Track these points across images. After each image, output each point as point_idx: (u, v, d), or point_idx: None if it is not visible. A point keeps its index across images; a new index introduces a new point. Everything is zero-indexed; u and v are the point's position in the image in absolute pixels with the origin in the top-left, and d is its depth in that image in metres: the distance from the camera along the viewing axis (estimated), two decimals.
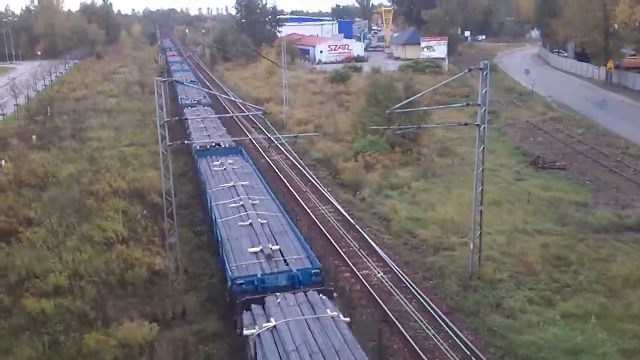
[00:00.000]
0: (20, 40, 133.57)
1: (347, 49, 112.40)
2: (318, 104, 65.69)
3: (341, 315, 15.93)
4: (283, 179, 38.92)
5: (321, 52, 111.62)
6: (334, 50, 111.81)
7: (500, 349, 19.88)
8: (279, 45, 78.79)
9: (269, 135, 46.89)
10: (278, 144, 44.67)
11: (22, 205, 32.77)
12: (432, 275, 25.41)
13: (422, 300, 22.70)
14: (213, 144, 35.32)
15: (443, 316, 21.48)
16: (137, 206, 32.47)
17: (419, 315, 21.60)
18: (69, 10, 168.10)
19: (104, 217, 30.48)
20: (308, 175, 38.77)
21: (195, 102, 51.32)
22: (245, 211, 23.79)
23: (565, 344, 19.60)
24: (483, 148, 24.22)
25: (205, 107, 49.53)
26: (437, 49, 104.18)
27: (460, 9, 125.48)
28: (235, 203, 24.95)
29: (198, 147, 34.85)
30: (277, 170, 40.93)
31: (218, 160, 32.12)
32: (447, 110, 55.44)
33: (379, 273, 25.03)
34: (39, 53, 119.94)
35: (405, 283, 23.99)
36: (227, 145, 35.68)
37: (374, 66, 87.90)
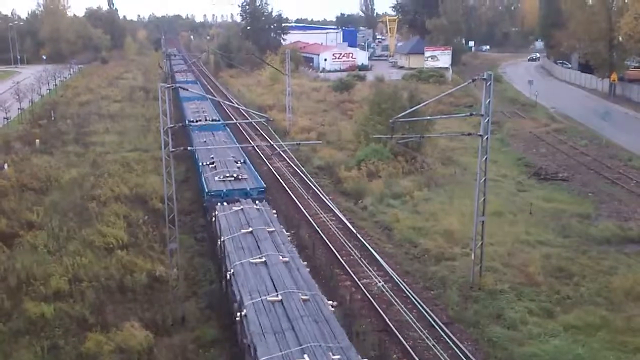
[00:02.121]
0: (26, 44, 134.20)
1: (351, 57, 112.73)
2: (321, 112, 65.74)
3: None
4: (285, 186, 38.92)
5: (325, 60, 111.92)
6: (338, 58, 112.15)
7: None
8: (283, 53, 78.93)
9: (271, 142, 46.86)
10: (280, 152, 44.64)
11: (24, 208, 32.74)
12: (433, 285, 25.34)
13: (422, 310, 22.63)
14: None
15: (443, 326, 21.38)
16: (138, 212, 32.47)
17: (419, 325, 21.50)
18: (74, 15, 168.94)
19: (105, 222, 30.49)
20: (310, 183, 38.73)
21: (228, 175, 28.56)
22: None
23: (566, 356, 19.52)
24: (486, 158, 24.21)
25: (253, 195, 26.48)
26: (441, 58, 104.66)
27: (465, 19, 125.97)
28: None
29: None
30: (279, 177, 40.92)
31: None
32: (450, 120, 55.56)
33: (379, 282, 24.94)
34: (44, 57, 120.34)
35: (405, 293, 23.89)
36: None
37: (377, 75, 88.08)
